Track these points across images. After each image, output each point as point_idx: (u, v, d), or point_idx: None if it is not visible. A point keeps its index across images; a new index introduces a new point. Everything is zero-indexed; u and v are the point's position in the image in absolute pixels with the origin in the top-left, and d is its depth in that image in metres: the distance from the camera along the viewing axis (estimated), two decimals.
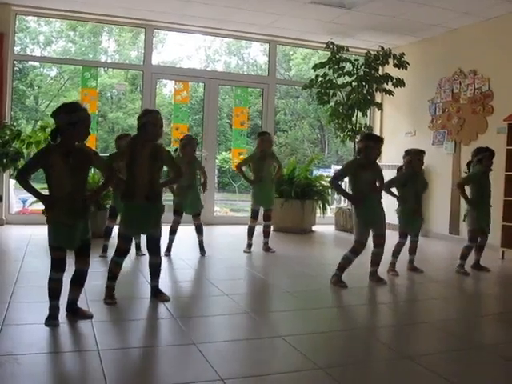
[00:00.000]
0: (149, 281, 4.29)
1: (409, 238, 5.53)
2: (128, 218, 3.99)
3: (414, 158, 5.40)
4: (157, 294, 4.14)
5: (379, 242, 4.90)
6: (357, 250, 4.77)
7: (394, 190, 5.45)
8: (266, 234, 6.60)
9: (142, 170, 3.91)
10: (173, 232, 6.03)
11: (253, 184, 6.45)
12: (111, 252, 5.30)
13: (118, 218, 5.57)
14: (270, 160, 6.51)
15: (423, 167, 5.58)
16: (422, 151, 5.48)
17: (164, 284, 4.36)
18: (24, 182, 3.30)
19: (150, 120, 3.93)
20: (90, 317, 3.53)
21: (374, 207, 4.81)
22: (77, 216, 3.34)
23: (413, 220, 5.46)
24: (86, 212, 3.46)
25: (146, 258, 5.73)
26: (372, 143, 4.76)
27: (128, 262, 5.44)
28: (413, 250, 5.58)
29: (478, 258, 5.72)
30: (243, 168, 6.64)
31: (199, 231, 6.10)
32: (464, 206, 5.90)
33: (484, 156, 5.56)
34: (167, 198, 5.71)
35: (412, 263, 5.59)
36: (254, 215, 6.48)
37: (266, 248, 6.54)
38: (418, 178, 5.50)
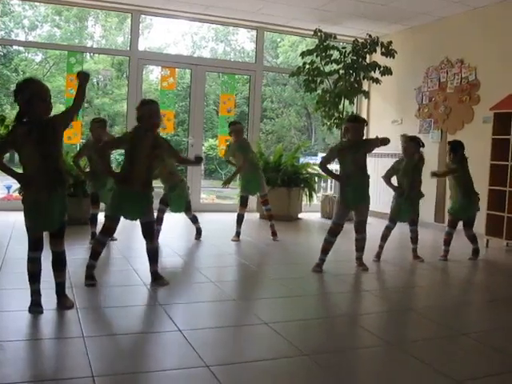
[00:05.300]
0: (135, 268, 4.28)
1: (409, 227, 5.68)
2: (119, 203, 4.05)
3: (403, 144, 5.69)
4: (156, 279, 4.17)
5: (360, 228, 4.98)
6: (334, 231, 4.85)
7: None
8: (269, 217, 6.60)
9: (141, 158, 3.98)
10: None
11: (238, 172, 6.40)
12: None
13: (101, 204, 5.60)
14: (246, 149, 6.32)
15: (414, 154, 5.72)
16: (409, 137, 5.77)
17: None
18: None
19: (145, 113, 4.00)
20: (70, 307, 3.45)
21: (358, 189, 4.84)
22: (52, 189, 3.25)
23: (404, 206, 5.56)
24: (63, 184, 3.35)
25: (135, 245, 5.75)
26: (350, 125, 4.83)
27: (115, 249, 5.44)
28: (413, 240, 5.66)
29: (474, 247, 5.80)
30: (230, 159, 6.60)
31: (193, 221, 6.13)
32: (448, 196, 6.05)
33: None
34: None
35: (415, 252, 5.64)
36: (242, 202, 6.46)
37: (273, 231, 6.54)
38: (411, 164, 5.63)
